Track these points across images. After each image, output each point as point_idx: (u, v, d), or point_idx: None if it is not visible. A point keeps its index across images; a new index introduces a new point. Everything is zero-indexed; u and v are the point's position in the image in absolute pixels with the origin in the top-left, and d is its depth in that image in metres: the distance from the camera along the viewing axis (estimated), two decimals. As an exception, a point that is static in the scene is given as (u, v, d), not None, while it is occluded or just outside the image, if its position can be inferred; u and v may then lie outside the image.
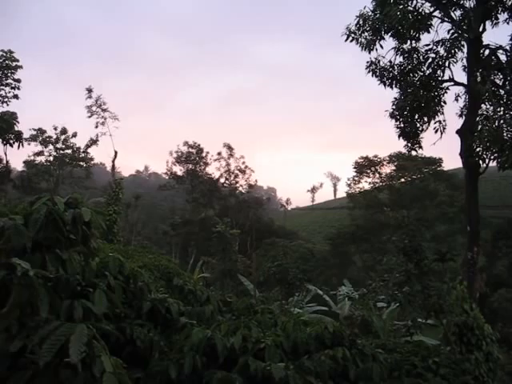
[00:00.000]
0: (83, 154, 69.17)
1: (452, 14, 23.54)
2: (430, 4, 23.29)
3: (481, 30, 22.71)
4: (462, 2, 23.51)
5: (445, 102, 24.85)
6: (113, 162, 57.90)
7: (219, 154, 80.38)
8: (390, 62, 24.24)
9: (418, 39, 23.49)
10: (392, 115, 24.87)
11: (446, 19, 23.38)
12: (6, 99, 49.93)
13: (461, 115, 24.92)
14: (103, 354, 4.13)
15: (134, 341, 6.06)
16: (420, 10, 22.71)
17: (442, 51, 23.46)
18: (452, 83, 24.44)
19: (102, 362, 4.05)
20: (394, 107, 24.78)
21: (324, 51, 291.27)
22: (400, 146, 66.60)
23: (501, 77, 23.25)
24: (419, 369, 9.26)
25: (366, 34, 23.50)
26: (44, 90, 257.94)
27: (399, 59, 24.25)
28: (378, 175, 69.42)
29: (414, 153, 30.36)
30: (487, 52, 22.88)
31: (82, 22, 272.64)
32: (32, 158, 68.06)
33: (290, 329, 7.77)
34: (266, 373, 6.14)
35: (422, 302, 12.44)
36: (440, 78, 24.31)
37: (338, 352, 7.27)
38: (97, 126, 60.92)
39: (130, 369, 5.09)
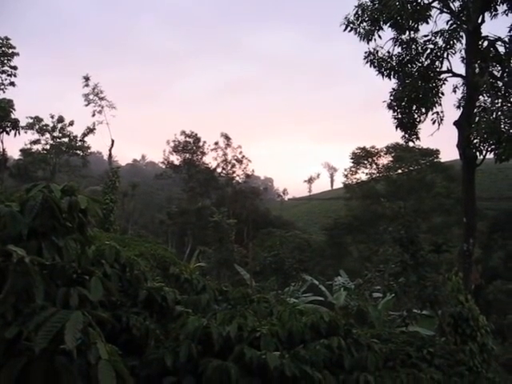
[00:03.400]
0: (80, 143, 68.91)
1: (451, 4, 23.46)
2: (429, -6, 23.22)
3: (480, 21, 22.62)
4: (461, -8, 23.45)
5: (443, 94, 24.84)
6: (110, 150, 58.23)
7: (216, 143, 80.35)
8: (389, 52, 24.18)
9: (416, 30, 23.44)
10: (390, 106, 24.84)
11: (444, 10, 23.31)
12: (2, 86, 49.84)
13: (458, 107, 24.89)
14: (99, 342, 4.13)
15: (129, 329, 6.08)
16: (419, 1, 22.64)
17: (440, 42, 23.45)
18: (450, 74, 24.40)
19: (98, 349, 4.04)
20: (391, 98, 24.74)
21: (322, 41, 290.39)
22: (397, 136, 66.36)
23: (499, 68, 23.22)
24: (414, 359, 9.31)
25: (365, 24, 23.41)
26: (41, 78, 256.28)
27: (397, 50, 24.21)
28: (375, 166, 69.55)
29: (411, 144, 30.36)
30: (486, 43, 22.83)
31: (78, 9, 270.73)
32: (28, 146, 67.83)
33: (285, 318, 7.80)
34: (262, 361, 6.17)
35: (417, 292, 12.47)
36: (438, 69, 24.28)
37: (333, 341, 7.30)
38: (94, 115, 61.12)
39: (126, 356, 5.10)
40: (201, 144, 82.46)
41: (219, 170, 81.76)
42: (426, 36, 23.66)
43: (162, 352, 6.15)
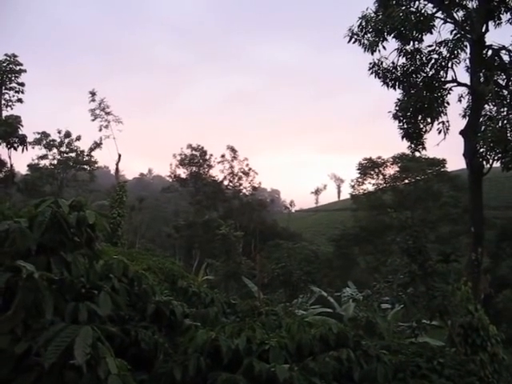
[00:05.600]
0: (87, 158, 69.19)
1: (455, 14, 23.57)
2: (432, 5, 23.32)
3: (483, 30, 22.74)
4: (464, 2, 23.55)
5: (448, 103, 24.89)
6: (116, 164, 58.29)
7: (223, 156, 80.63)
8: (393, 63, 24.29)
9: (420, 40, 23.51)
10: (395, 116, 24.89)
11: (448, 20, 23.41)
12: (10, 103, 50.27)
13: (464, 116, 24.92)
14: (108, 356, 4.14)
15: (138, 343, 6.08)
16: (422, 11, 22.74)
17: (444, 52, 23.53)
18: (455, 84, 24.46)
19: (107, 364, 4.06)
20: (397, 108, 24.80)
21: (326, 51, 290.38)
22: (403, 147, 66.29)
23: (504, 77, 23.27)
24: (424, 370, 9.24)
25: (369, 35, 23.52)
26: (47, 93, 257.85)
27: (402, 60, 24.34)
28: (381, 176, 69.33)
29: (417, 154, 30.48)
30: (490, 52, 22.91)
31: (83, 22, 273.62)
32: (36, 161, 68.15)
33: (294, 330, 7.77)
34: (271, 374, 6.14)
35: (426, 303, 12.41)
36: (443, 79, 24.33)
37: (342, 353, 7.27)
38: (100, 129, 61.28)
39: (135, 371, 5.11)
40: (207, 157, 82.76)
41: (226, 182, 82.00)
42: (430, 46, 23.79)
43: (170, 366, 6.14)
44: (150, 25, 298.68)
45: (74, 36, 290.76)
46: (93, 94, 60.21)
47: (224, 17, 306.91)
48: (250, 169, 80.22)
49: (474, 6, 23.25)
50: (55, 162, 68.80)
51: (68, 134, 68.33)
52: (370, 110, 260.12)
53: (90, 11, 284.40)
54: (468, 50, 23.05)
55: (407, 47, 23.91)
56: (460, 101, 25.20)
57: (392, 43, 23.71)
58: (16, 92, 50.38)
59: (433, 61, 23.86)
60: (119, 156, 59.27)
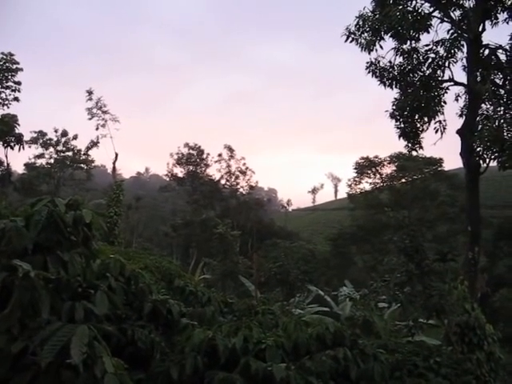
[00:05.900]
0: (84, 156, 69.02)
1: (451, 14, 23.56)
2: (429, 4, 23.31)
3: (480, 29, 22.73)
4: (461, 1, 23.53)
5: (445, 102, 24.89)
6: (113, 163, 57.87)
7: (220, 155, 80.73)
8: (390, 62, 24.28)
9: (417, 39, 23.52)
10: (392, 115, 24.88)
11: (445, 19, 23.39)
12: (6, 102, 50.07)
13: (461, 115, 24.94)
14: (105, 355, 4.14)
15: (135, 342, 6.07)
16: (419, 11, 22.74)
17: (441, 51, 23.53)
18: (452, 83, 24.46)
19: (104, 363, 4.05)
20: (394, 107, 24.79)
21: (326, 51, 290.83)
22: (400, 146, 66.27)
23: (501, 76, 23.28)
24: (421, 369, 9.27)
25: (366, 34, 23.48)
26: (47, 93, 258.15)
27: (399, 59, 24.31)
28: (378, 176, 69.28)
29: (414, 153, 30.45)
30: (487, 52, 22.91)
31: (82, 22, 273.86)
32: (33, 160, 67.99)
33: (291, 329, 7.77)
34: (267, 373, 6.14)
35: (423, 302, 12.43)
36: (440, 78, 24.34)
37: (339, 352, 7.26)
38: (97, 128, 60.88)
39: (132, 370, 5.10)
40: (204, 156, 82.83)
41: (223, 181, 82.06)
42: (427, 45, 23.78)
43: (167, 365, 6.13)
44: (149, 25, 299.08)
45: (73, 36, 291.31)
46: (90, 92, 59.97)
47: (224, 17, 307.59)
48: (246, 168, 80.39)
49: (471, 6, 23.22)
50: (52, 160, 68.65)
51: (65, 133, 68.18)
52: (369, 110, 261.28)
53: (90, 11, 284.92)
54: (465, 50, 23.05)
55: (404, 46, 23.90)
56: (457, 100, 25.23)
57: (389, 42, 23.73)
58: (12, 91, 50.19)
59: (430, 60, 23.87)
60: (116, 155, 58.96)
